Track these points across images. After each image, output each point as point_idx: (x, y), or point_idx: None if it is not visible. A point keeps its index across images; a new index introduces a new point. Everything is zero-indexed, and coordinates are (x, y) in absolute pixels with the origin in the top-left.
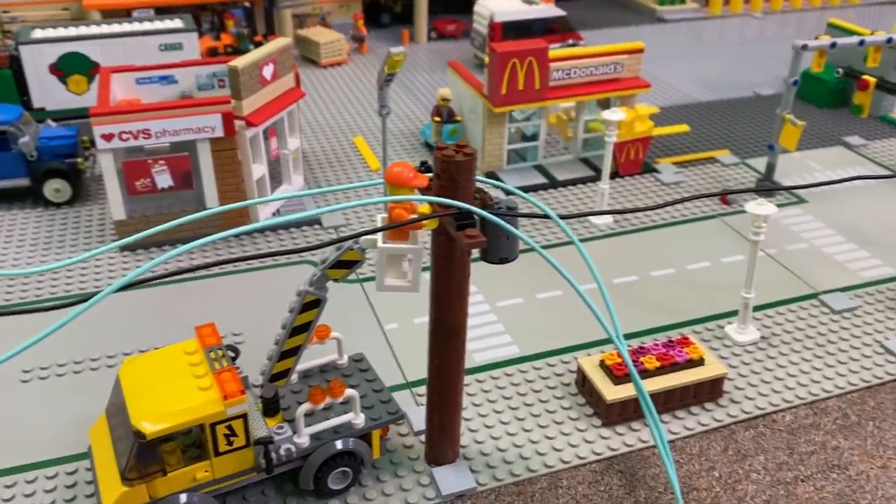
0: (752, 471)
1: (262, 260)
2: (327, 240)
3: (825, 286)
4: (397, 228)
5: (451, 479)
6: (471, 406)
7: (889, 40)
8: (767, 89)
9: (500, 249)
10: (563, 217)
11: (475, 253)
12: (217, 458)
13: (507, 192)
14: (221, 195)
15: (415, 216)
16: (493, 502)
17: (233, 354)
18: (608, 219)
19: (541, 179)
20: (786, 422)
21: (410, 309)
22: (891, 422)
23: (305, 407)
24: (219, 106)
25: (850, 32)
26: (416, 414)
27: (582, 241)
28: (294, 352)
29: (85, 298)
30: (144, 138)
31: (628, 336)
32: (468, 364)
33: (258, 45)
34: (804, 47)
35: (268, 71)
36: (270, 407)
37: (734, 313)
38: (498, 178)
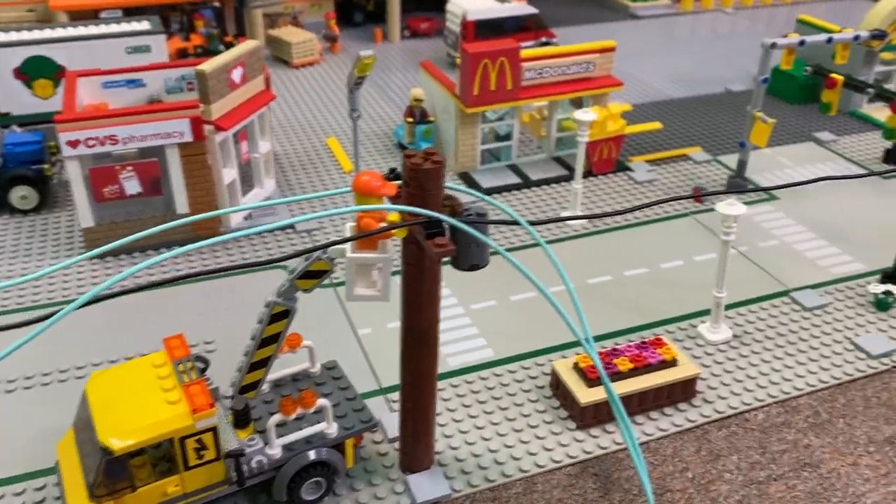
0: (725, 471)
1: None
2: (300, 244)
3: (796, 283)
4: (366, 238)
5: (426, 486)
6: (445, 411)
7: (856, 38)
8: (739, 85)
9: (470, 257)
10: (533, 224)
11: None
12: (187, 471)
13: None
14: (192, 200)
15: (384, 225)
16: None
17: (202, 366)
18: None
19: (515, 179)
20: (758, 420)
21: (384, 314)
22: (861, 419)
23: (276, 418)
24: (187, 111)
25: (820, 29)
26: (391, 420)
27: (555, 241)
28: (264, 363)
29: (48, 315)
30: (111, 144)
31: (603, 337)
32: (442, 368)
33: (229, 45)
34: (773, 46)
35: (237, 74)
36: (241, 419)
37: (707, 312)
38: (471, 179)
